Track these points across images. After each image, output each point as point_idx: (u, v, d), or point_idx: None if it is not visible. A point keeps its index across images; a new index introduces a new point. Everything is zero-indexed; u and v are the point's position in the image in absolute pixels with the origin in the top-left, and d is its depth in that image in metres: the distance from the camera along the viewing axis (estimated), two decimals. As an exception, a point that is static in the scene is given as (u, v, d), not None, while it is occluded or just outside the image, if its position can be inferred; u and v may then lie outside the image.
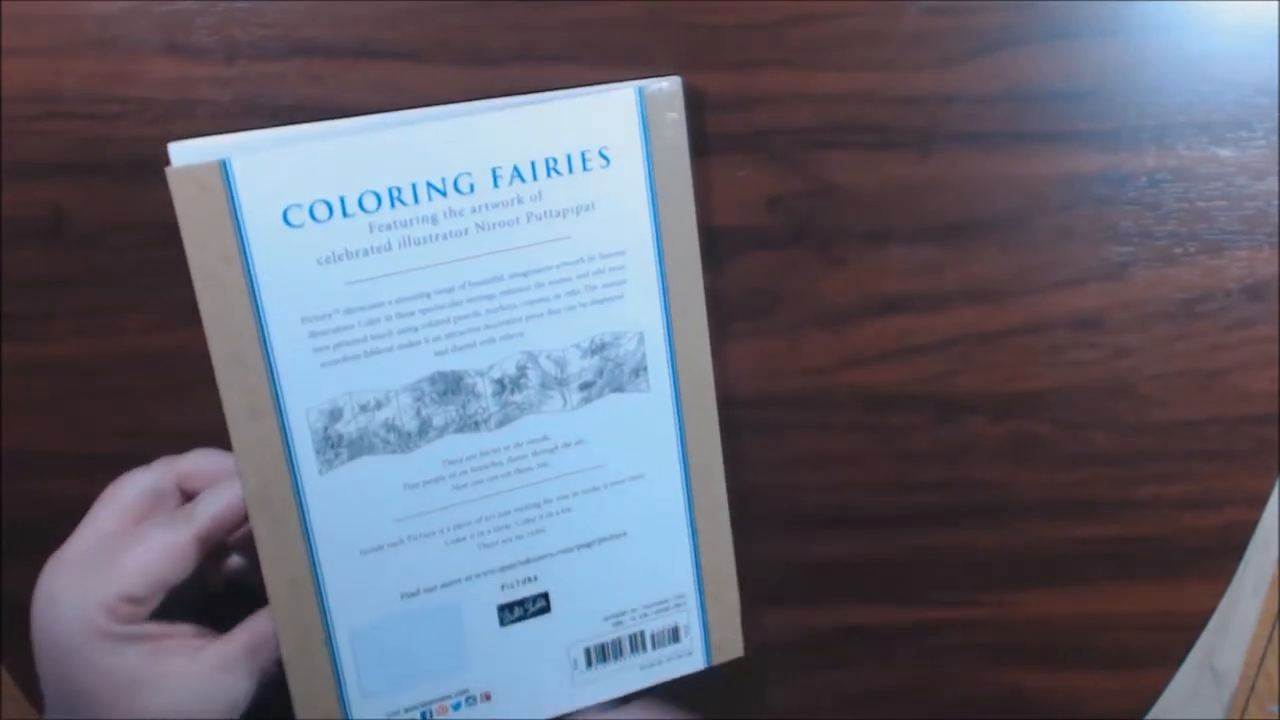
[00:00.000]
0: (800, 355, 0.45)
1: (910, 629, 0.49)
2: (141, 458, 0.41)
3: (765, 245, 0.44)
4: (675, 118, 0.40)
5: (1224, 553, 0.48)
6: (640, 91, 0.39)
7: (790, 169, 0.43)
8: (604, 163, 0.39)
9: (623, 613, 0.44)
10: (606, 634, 0.44)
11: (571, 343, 0.41)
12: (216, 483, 0.40)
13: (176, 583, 0.39)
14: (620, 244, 0.40)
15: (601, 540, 0.43)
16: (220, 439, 0.41)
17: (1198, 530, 0.47)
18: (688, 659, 0.45)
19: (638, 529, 0.43)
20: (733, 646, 0.46)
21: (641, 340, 0.41)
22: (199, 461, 0.41)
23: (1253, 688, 0.62)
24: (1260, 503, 0.47)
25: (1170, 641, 0.49)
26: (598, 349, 0.41)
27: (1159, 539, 0.48)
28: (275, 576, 0.40)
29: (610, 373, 0.41)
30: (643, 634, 0.44)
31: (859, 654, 0.49)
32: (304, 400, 0.39)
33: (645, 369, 0.42)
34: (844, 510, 0.47)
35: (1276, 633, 0.60)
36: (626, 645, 0.44)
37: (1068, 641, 0.49)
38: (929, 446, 0.46)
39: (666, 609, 0.44)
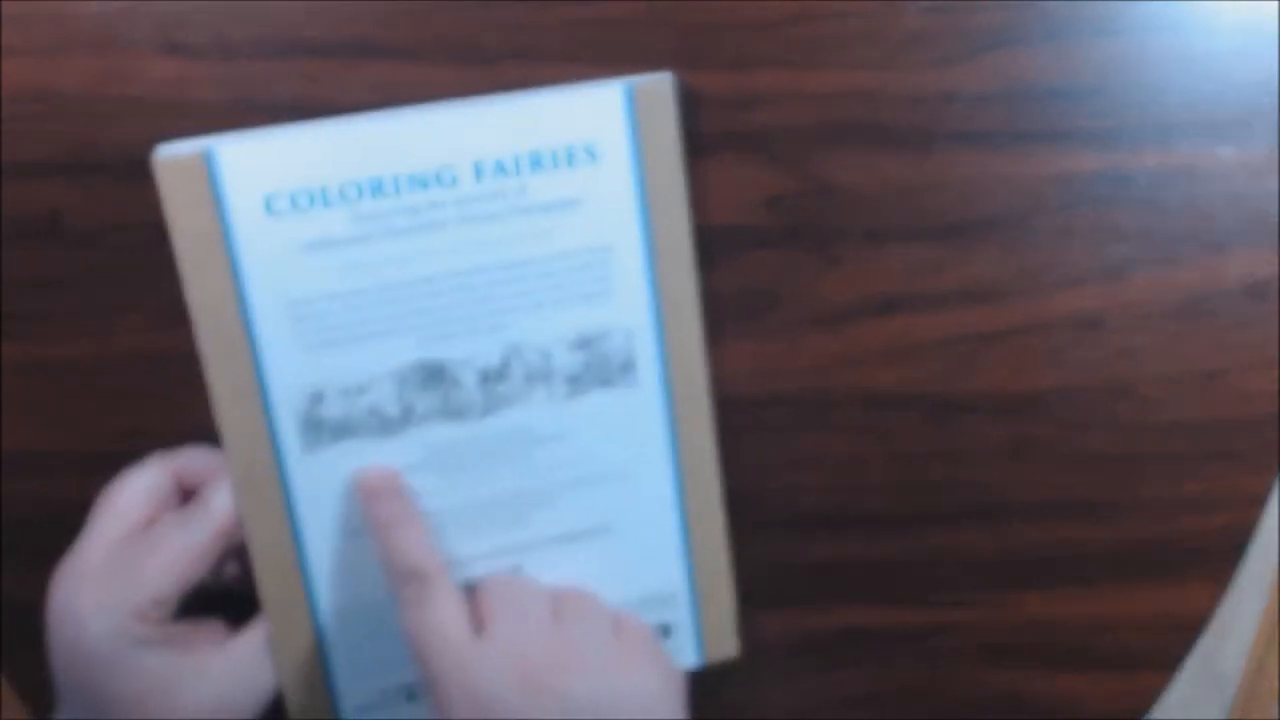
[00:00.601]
0: (799, 355, 0.45)
1: (910, 630, 0.49)
2: (140, 458, 0.41)
3: (764, 245, 0.44)
4: (667, 115, 0.40)
5: (1224, 553, 0.48)
6: (628, 88, 0.39)
7: (789, 168, 0.43)
8: (590, 159, 0.39)
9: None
10: None
11: (557, 336, 0.41)
12: (217, 478, 0.40)
13: (197, 580, 0.39)
14: (607, 240, 0.40)
15: (586, 533, 0.43)
16: (218, 438, 0.41)
17: (1198, 531, 0.47)
18: (678, 656, 0.45)
19: (624, 524, 0.43)
20: (727, 646, 0.46)
21: (629, 336, 0.41)
22: (195, 458, 0.41)
23: (1254, 689, 0.62)
24: (1260, 503, 0.47)
25: (1171, 643, 0.49)
26: (584, 344, 0.41)
27: (1159, 539, 0.47)
28: (261, 556, 0.40)
29: (597, 368, 0.41)
30: None
31: (858, 655, 0.49)
32: (287, 382, 0.39)
33: (633, 365, 0.42)
34: (843, 510, 0.47)
35: (1277, 634, 0.60)
36: None
37: (1068, 642, 0.49)
38: (929, 446, 0.46)
39: (655, 605, 0.44)
